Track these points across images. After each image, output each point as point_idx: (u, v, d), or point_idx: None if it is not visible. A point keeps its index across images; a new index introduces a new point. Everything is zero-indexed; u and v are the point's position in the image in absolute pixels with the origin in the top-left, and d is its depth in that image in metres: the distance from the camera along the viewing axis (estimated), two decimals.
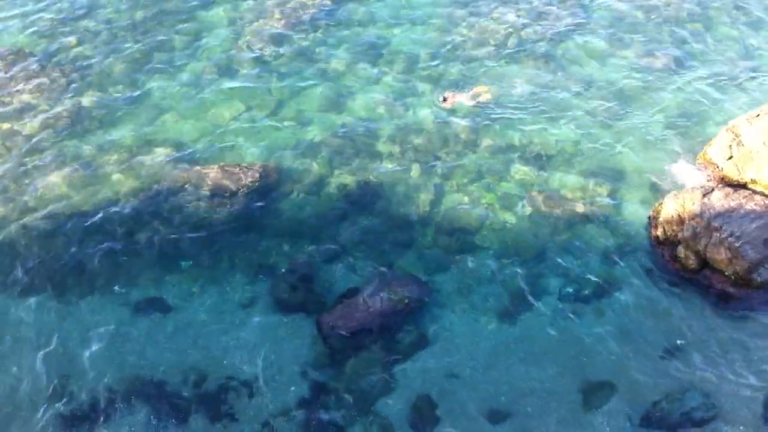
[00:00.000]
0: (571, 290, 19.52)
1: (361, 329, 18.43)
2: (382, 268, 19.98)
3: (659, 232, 20.42)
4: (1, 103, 24.31)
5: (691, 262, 19.53)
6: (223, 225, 20.91)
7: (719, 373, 17.76)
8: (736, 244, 18.62)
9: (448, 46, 27.13)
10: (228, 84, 25.46)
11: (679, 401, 17.16)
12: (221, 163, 22.35)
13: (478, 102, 24.71)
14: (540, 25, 28.10)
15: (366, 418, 17.08)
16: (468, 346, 18.37)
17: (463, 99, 24.76)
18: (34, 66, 25.59)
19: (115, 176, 22.03)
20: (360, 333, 18.40)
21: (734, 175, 21.12)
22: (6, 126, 23.50)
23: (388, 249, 20.43)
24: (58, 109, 24.12)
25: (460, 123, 23.97)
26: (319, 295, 19.39)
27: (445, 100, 24.71)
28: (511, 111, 24.53)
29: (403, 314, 18.81)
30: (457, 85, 25.42)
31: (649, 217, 21.09)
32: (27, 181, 21.86)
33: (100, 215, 21.10)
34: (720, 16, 28.98)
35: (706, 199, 19.62)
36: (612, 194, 21.88)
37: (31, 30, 27.31)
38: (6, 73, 25.33)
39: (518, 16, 28.46)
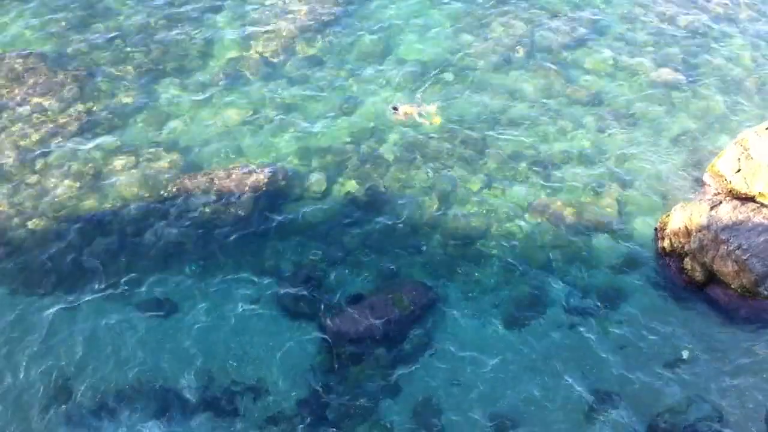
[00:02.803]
0: (576, 300, 19.50)
1: (365, 334, 18.44)
2: (388, 274, 20.00)
3: (666, 243, 20.38)
4: (12, 105, 24.39)
5: (697, 274, 19.49)
6: (229, 228, 20.95)
7: (725, 385, 17.70)
8: (744, 257, 18.57)
9: (458, 55, 27.14)
10: (237, 89, 25.51)
11: (684, 413, 17.11)
12: (228, 167, 22.42)
13: (434, 112, 24.53)
14: (551, 35, 28.11)
15: (369, 423, 17.06)
16: (472, 354, 18.35)
17: (416, 110, 24.54)
18: (46, 69, 25.68)
19: (124, 179, 22.08)
20: (365, 338, 18.42)
21: (742, 188, 21.09)
22: (17, 128, 23.58)
23: (394, 255, 20.44)
24: (69, 112, 24.20)
25: (469, 131, 23.97)
26: (325, 299, 19.40)
27: (396, 110, 24.46)
28: (519, 120, 24.53)
29: (408, 320, 18.81)
30: (415, 97, 25.34)
31: (656, 229, 21.07)
32: (36, 183, 21.93)
33: (108, 217, 21.16)
34: (731, 30, 28.97)
35: (713, 212, 19.58)
36: (619, 205, 21.86)
37: (43, 34, 27.39)
38: (18, 76, 25.43)
39: (529, 26, 28.46)
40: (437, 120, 24.40)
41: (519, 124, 24.45)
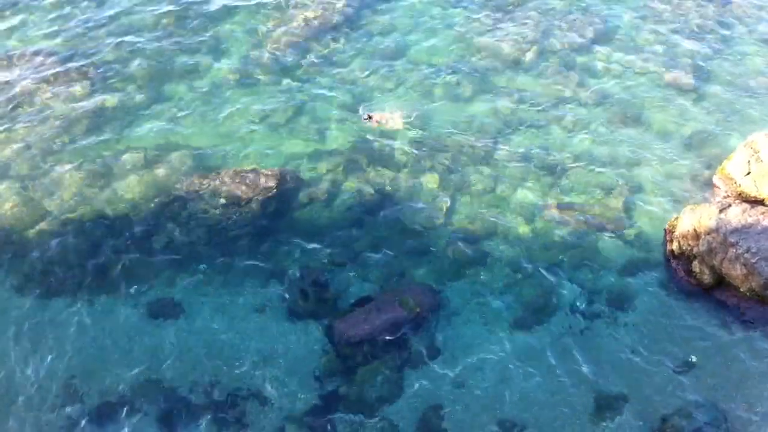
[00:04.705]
0: (584, 302, 19.45)
1: (372, 337, 18.45)
2: (395, 277, 20.02)
3: (674, 246, 20.29)
4: (23, 103, 24.61)
5: (706, 277, 19.40)
6: (237, 230, 21.03)
7: (732, 390, 17.59)
8: (752, 261, 18.47)
9: (468, 57, 27.15)
10: (247, 91, 25.64)
11: (690, 417, 17.01)
12: (238, 169, 22.49)
13: (405, 120, 24.46)
14: (561, 37, 28.07)
15: (375, 427, 17.06)
16: (479, 357, 18.32)
17: (388, 117, 24.48)
18: (57, 68, 25.88)
19: (133, 180, 22.21)
20: (371, 341, 18.43)
21: (752, 191, 20.99)
22: (27, 128, 23.77)
23: (402, 258, 20.46)
24: (79, 111, 24.37)
25: (477, 134, 23.96)
26: (332, 302, 19.45)
27: (369, 118, 24.37)
28: (528, 122, 24.51)
29: (414, 323, 18.81)
30: (379, 105, 25.27)
31: (665, 231, 20.97)
32: (46, 183, 22.09)
33: (116, 218, 21.30)
34: (741, 32, 28.82)
35: (722, 215, 19.48)
36: (627, 207, 21.79)
37: (55, 33, 27.63)
38: (29, 74, 25.65)
39: (538, 28, 28.44)
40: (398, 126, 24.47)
41: (528, 126, 24.43)
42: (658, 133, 24.31)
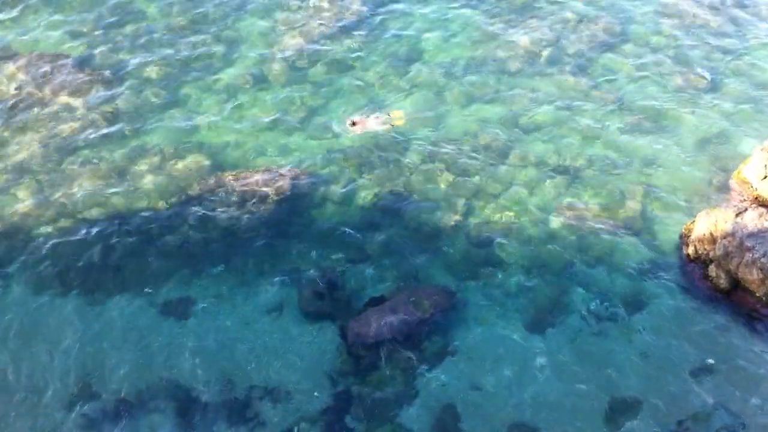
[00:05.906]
0: (598, 305, 19.38)
1: (386, 338, 18.45)
2: (409, 278, 20.03)
3: (690, 250, 20.21)
4: (39, 105, 24.73)
5: (722, 281, 19.31)
6: (252, 230, 21.08)
7: (747, 394, 17.50)
8: None
9: (482, 60, 27.06)
10: (261, 91, 25.67)
11: (705, 421, 16.96)
12: (252, 169, 22.58)
13: (391, 126, 24.39)
14: (575, 40, 27.97)
15: (388, 428, 17.06)
16: (493, 358, 18.31)
17: (373, 123, 24.41)
18: (73, 69, 26.00)
19: (149, 179, 22.31)
20: (385, 341, 18.43)
21: None
22: (44, 128, 23.91)
23: (416, 258, 20.46)
24: (95, 112, 24.50)
25: (491, 135, 23.92)
26: (346, 302, 19.47)
27: (354, 124, 24.28)
28: (543, 124, 24.45)
29: (428, 324, 18.82)
30: (376, 108, 25.07)
31: (681, 235, 20.89)
32: (62, 182, 22.22)
33: (132, 217, 21.38)
34: (757, 33, 28.64)
35: (739, 219, 19.40)
36: (643, 210, 21.70)
37: (70, 34, 27.73)
38: (45, 76, 25.77)
39: (553, 32, 28.34)
40: (400, 122, 24.39)
41: (543, 128, 24.37)
42: (673, 135, 24.17)
